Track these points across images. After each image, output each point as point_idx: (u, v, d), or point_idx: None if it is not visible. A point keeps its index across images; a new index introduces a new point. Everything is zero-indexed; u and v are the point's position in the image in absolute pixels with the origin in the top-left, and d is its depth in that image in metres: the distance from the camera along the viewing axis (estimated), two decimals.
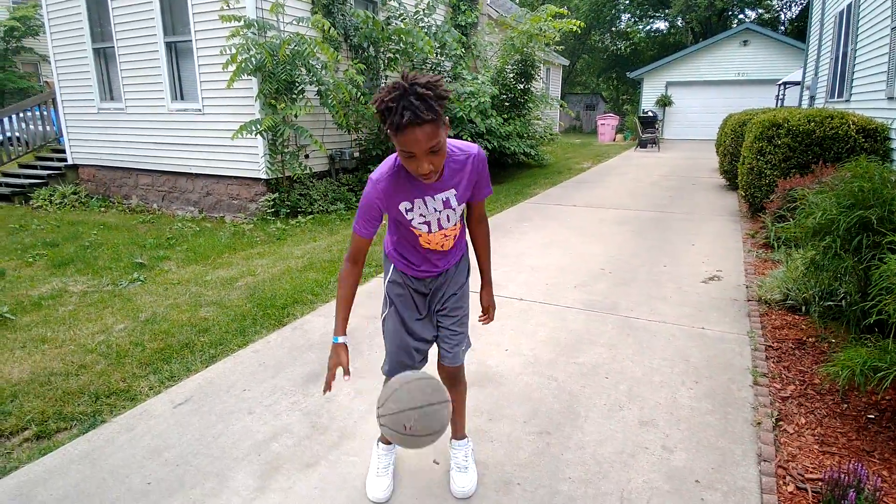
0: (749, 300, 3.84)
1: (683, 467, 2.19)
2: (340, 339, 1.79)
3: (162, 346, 3.34)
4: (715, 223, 6.27)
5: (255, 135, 6.64)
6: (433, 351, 2.11)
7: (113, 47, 8.27)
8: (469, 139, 8.71)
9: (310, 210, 7.26)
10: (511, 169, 11.33)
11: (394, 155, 1.66)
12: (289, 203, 7.22)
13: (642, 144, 16.03)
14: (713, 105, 19.28)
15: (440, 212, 1.76)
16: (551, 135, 14.73)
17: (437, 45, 9.21)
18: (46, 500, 2.09)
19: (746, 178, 5.90)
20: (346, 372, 1.79)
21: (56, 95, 9.31)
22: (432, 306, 2.01)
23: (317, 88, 7.08)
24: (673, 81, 20.30)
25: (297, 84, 6.83)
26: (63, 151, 9.65)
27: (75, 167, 9.46)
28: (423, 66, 9.44)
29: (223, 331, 3.55)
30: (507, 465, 2.22)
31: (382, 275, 2.07)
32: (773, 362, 2.98)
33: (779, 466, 2.18)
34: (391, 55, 8.69)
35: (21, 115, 10.12)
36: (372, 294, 4.16)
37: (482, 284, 2.13)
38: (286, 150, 7.11)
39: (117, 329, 3.62)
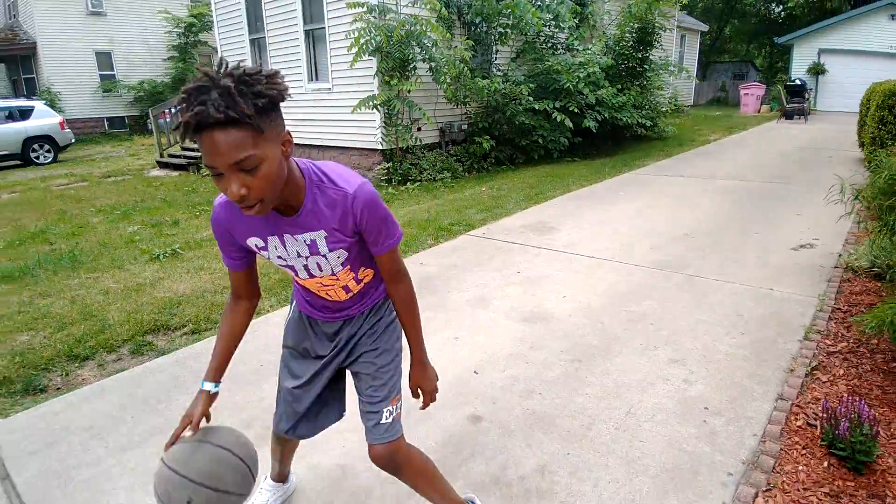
0: (836, 267, 3.65)
1: (697, 397, 2.37)
2: (206, 386, 1.43)
3: (283, 276, 4.14)
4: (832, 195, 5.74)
5: (372, 109, 7.40)
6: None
7: (264, 37, 9.59)
8: (576, 110, 8.72)
9: (418, 178, 7.91)
10: (627, 142, 11.02)
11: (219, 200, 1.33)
12: (401, 171, 7.94)
13: (788, 115, 14.41)
14: (872, 77, 16.58)
15: (306, 258, 1.33)
16: (676, 105, 13.91)
17: (550, 17, 9.27)
18: (193, 368, 2.89)
19: (868, 148, 5.33)
20: (195, 428, 1.35)
21: None
22: (338, 358, 1.58)
23: (428, 65, 7.63)
24: (826, 49, 17.77)
25: (409, 61, 7.45)
26: None
27: None
28: (536, 40, 9.57)
29: None
30: (534, 381, 2.58)
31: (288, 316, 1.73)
32: (835, 322, 2.92)
33: (796, 405, 2.27)
34: (502, 30, 8.95)
35: None
36: (457, 248, 4.63)
37: (411, 362, 1.60)
38: (399, 124, 7.81)
39: None
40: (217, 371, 1.49)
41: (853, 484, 1.84)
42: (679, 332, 2.94)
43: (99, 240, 5.61)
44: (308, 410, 1.62)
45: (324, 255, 1.33)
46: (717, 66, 28.63)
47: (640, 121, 10.16)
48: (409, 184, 7.74)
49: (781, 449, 2.03)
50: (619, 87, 9.90)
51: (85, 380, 2.90)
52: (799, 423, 2.16)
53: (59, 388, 2.83)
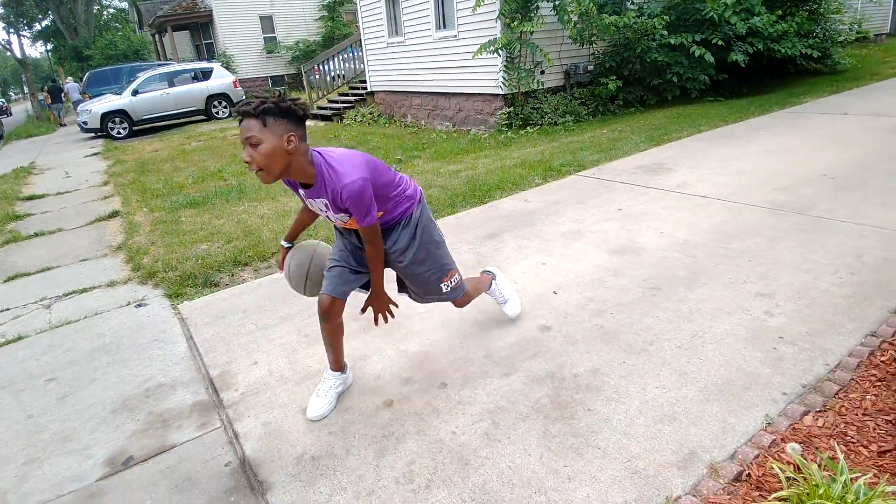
0: None
1: (775, 327, 2.35)
2: (284, 243, 2.30)
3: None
4: None
5: (493, 53, 7.50)
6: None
7: None
8: (720, 43, 7.87)
9: (539, 122, 7.92)
10: (790, 77, 9.68)
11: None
12: (521, 116, 8.01)
13: None
14: None
15: (323, 211, 1.93)
16: (860, 33, 11.76)
17: None
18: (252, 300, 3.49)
19: None
20: (280, 268, 2.28)
21: (361, 36, 11.81)
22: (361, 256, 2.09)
23: (552, 3, 7.45)
24: None
25: (532, 1, 7.34)
26: (366, 82, 12.30)
27: (372, 93, 12.01)
28: None
29: (440, 204, 4.66)
30: (608, 302, 2.73)
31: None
32: None
33: (887, 342, 2.15)
34: None
35: (341, 56, 13.14)
36: (564, 186, 4.73)
37: (371, 292, 2.09)
38: (521, 67, 7.81)
39: None
40: (291, 237, 2.33)
41: None
42: (778, 269, 2.83)
43: None
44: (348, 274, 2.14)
45: (332, 213, 1.91)
46: None
47: (804, 51, 8.84)
48: (528, 128, 7.79)
49: (853, 379, 1.99)
50: (781, 12, 8.67)
51: (245, 280, 3.67)
52: (884, 359, 2.06)
53: (227, 284, 3.63)
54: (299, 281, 2.23)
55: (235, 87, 15.61)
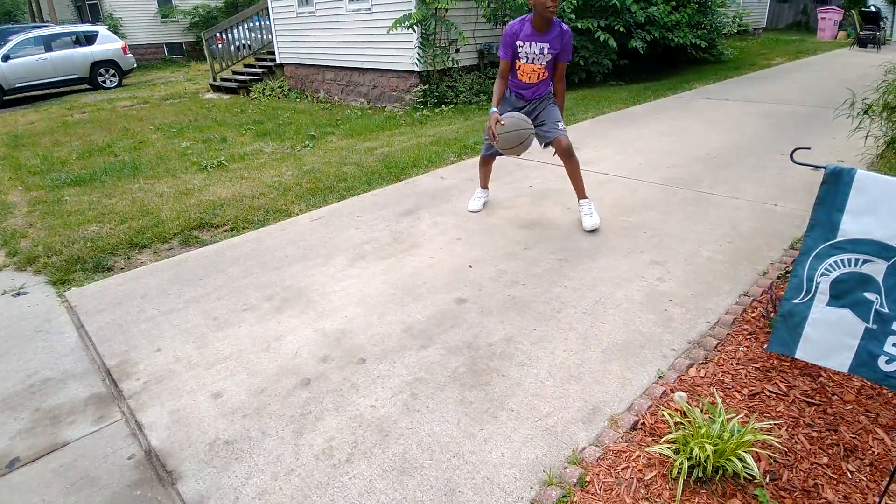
0: None
1: (666, 291, 2.58)
2: (494, 109, 3.18)
3: (312, 186, 4.50)
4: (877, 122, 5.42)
5: (408, 28, 7.40)
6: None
7: None
8: (622, 29, 8.32)
9: (454, 101, 7.97)
10: (681, 66, 10.44)
11: (519, 17, 3.14)
12: (437, 94, 8.01)
13: (861, 43, 13.10)
14: None
15: (536, 54, 3.13)
16: (741, 26, 12.90)
17: None
18: (229, 256, 3.33)
19: None
20: (495, 123, 3.11)
21: (268, 4, 11.14)
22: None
23: None
24: None
25: None
26: (274, 52, 11.66)
27: (281, 66, 11.43)
28: None
29: (355, 181, 4.59)
30: (520, 274, 2.85)
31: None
32: None
33: (757, 301, 2.44)
34: None
35: (246, 24, 12.33)
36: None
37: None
38: (436, 45, 7.78)
39: (287, 174, 4.92)
40: (497, 103, 3.23)
41: (789, 363, 2.04)
42: (668, 240, 3.10)
43: (156, 153, 6.16)
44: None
45: (544, 54, 3.12)
46: None
47: (694, 41, 9.58)
48: (444, 106, 7.82)
49: (728, 334, 2.24)
50: (675, 3, 9.29)
51: (143, 263, 3.41)
52: (754, 315, 2.35)
53: (122, 269, 3.35)
54: (515, 136, 3.12)
55: (125, 53, 14.21)
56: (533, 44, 3.08)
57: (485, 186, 3.80)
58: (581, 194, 3.38)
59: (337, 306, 2.68)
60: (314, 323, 2.55)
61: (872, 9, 13.78)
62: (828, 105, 6.31)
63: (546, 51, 3.09)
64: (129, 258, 3.48)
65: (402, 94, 8.54)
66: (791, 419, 1.83)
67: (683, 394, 1.90)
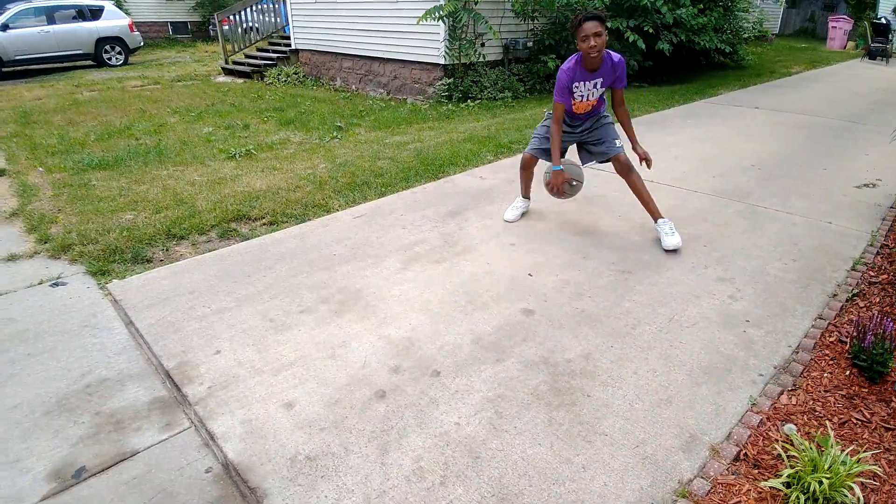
0: (892, 207, 3.60)
1: (740, 311, 2.51)
2: (557, 167, 3.19)
3: (349, 181, 4.39)
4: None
5: (438, 20, 7.26)
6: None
7: None
8: (651, 30, 8.23)
9: (479, 96, 7.85)
10: (703, 70, 10.37)
11: (572, 57, 3.04)
12: (461, 88, 7.88)
13: (871, 55, 13.07)
14: None
15: (591, 90, 3.10)
16: (760, 32, 12.83)
17: None
18: (273, 252, 3.23)
19: None
20: (561, 183, 3.23)
21: None
22: (579, 137, 3.36)
23: None
24: None
25: None
26: (288, 38, 11.44)
27: (297, 51, 11.23)
28: None
29: (392, 177, 4.48)
30: (584, 285, 2.77)
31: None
32: (881, 257, 2.95)
33: (832, 325, 2.38)
34: None
35: (257, 6, 12.07)
36: (516, 165, 4.73)
37: (632, 145, 3.24)
38: (463, 38, 7.65)
39: (321, 167, 4.80)
40: (557, 156, 3.21)
41: (867, 390, 2.00)
42: (731, 255, 3.03)
43: (178, 138, 6.01)
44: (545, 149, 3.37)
45: (598, 88, 3.09)
46: None
47: (718, 46, 9.50)
48: (469, 101, 7.70)
49: (812, 359, 2.18)
50: (701, 6, 9.20)
51: (182, 255, 3.30)
52: (832, 339, 2.29)
53: (161, 260, 3.24)
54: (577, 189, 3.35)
55: (132, 31, 13.90)
56: (587, 83, 3.06)
57: (526, 195, 3.66)
58: (656, 215, 3.22)
59: (398, 312, 2.59)
60: (377, 329, 2.46)
61: (883, 21, 13.76)
62: (854, 119, 6.29)
63: (599, 86, 3.09)
64: (167, 250, 3.36)
65: (424, 87, 8.40)
66: (873, 444, 1.79)
67: (793, 426, 1.83)
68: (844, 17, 17.74)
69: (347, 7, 9.36)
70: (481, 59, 7.99)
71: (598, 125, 3.29)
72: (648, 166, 3.20)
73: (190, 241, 3.48)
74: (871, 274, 2.77)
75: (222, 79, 11.18)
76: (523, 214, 3.65)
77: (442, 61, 7.83)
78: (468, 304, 2.65)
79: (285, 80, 10.40)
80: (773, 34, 16.72)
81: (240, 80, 10.87)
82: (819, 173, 4.32)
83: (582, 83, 3.05)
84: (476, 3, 7.24)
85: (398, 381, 2.13)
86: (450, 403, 2.00)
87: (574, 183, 3.27)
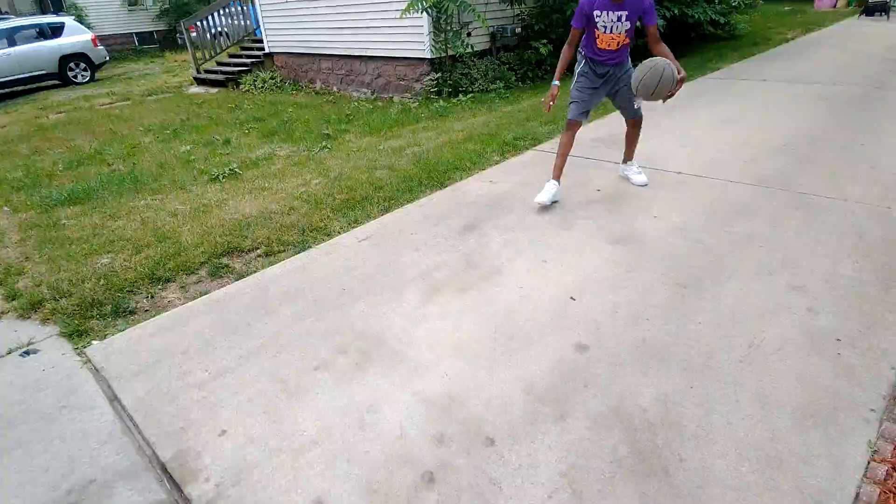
0: None
1: (826, 328, 2.17)
2: (556, 83, 3.28)
3: (347, 197, 3.99)
4: None
5: (421, 12, 6.83)
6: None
7: None
8: None
9: (470, 89, 7.44)
10: (694, 43, 10.01)
11: None
12: (451, 82, 7.47)
13: (868, 12, 12.76)
14: None
15: (615, 23, 3.08)
16: (749, 1, 12.49)
17: None
18: (274, 292, 2.84)
19: None
20: (552, 99, 3.30)
21: None
22: (608, 88, 3.39)
23: None
24: None
25: None
26: (261, 42, 10.91)
27: (271, 55, 10.70)
28: None
29: (394, 189, 4.09)
30: (637, 306, 2.41)
31: (576, 68, 3.43)
32: None
33: None
34: None
35: (224, 10, 11.49)
36: (527, 164, 4.36)
37: (677, 70, 3.00)
38: (449, 29, 7.22)
39: (314, 183, 4.38)
40: (560, 74, 3.32)
41: None
42: (794, 256, 2.69)
43: (154, 160, 5.55)
44: (588, 108, 3.46)
45: (622, 21, 3.06)
46: None
47: (713, 17, 9.13)
48: (460, 95, 7.30)
49: None
50: None
51: (171, 302, 2.90)
52: None
53: (146, 310, 2.84)
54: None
55: (96, 45, 13.26)
56: (610, 13, 3.05)
57: (557, 177, 3.51)
58: (629, 157, 3.72)
59: (429, 359, 2.22)
60: (409, 384, 2.09)
61: None
62: (877, 84, 5.97)
63: (624, 18, 3.06)
64: (152, 297, 2.96)
65: (411, 84, 7.97)
66: None
67: None
68: None
69: (320, 4, 8.87)
70: (469, 50, 7.57)
71: (621, 79, 3.34)
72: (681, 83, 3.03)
73: (177, 284, 3.07)
74: None
75: (195, 89, 10.64)
76: (554, 199, 3.51)
77: (428, 55, 7.40)
78: (509, 341, 2.28)
79: (262, 87, 9.90)
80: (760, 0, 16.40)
81: (214, 90, 10.35)
82: (858, 151, 3.98)
83: (605, 12, 3.05)
84: None
85: (446, 456, 1.76)
86: (515, 484, 1.64)
87: (649, 78, 2.96)
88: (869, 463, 1.61)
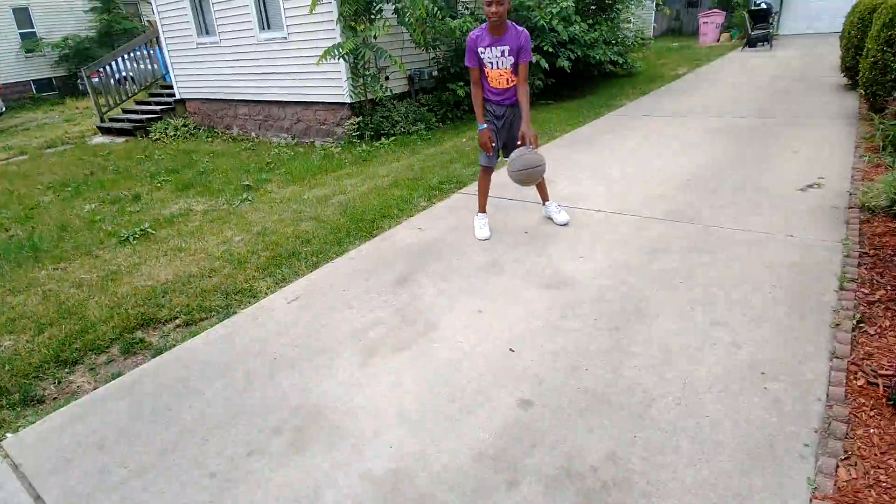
0: (850, 208, 3.62)
1: (750, 361, 2.29)
2: (482, 126, 3.45)
3: (273, 254, 3.83)
4: (825, 128, 5.72)
5: (338, 59, 6.84)
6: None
7: None
8: (550, 49, 8.33)
9: (392, 132, 7.49)
10: (597, 80, 10.72)
11: (479, 27, 3.37)
12: (372, 126, 7.49)
13: (751, 43, 14.22)
14: None
15: (499, 57, 3.29)
16: (642, 39, 13.61)
17: None
18: (197, 367, 2.63)
19: (868, 73, 5.25)
20: (490, 141, 3.48)
21: (159, 34, 10.00)
22: (504, 133, 3.56)
23: (394, 6, 7.06)
24: None
25: (374, 3, 6.86)
26: (171, 87, 10.48)
27: (183, 101, 10.30)
28: None
29: (322, 242, 3.97)
30: (575, 355, 2.45)
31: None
32: (866, 269, 2.88)
33: (852, 363, 2.22)
34: None
35: (130, 55, 10.97)
36: (453, 208, 4.39)
37: (522, 123, 3.35)
38: (367, 73, 7.28)
39: (236, 240, 4.18)
40: (481, 116, 3.49)
41: None
42: (712, 290, 2.85)
43: (56, 222, 5.09)
44: (498, 151, 3.63)
45: (506, 56, 3.28)
46: None
47: (612, 57, 9.87)
48: (383, 138, 7.32)
49: (850, 413, 1.98)
50: (591, 21, 9.51)
51: (80, 387, 2.62)
52: (860, 384, 2.11)
53: (55, 398, 2.55)
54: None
55: None
56: (494, 48, 3.28)
57: (484, 209, 3.83)
58: (546, 197, 3.89)
59: (372, 430, 2.12)
60: (353, 463, 1.97)
61: (763, 5, 14.80)
62: (765, 114, 6.61)
63: (507, 53, 3.28)
64: (59, 382, 2.67)
65: (332, 128, 7.91)
66: None
67: None
68: (717, 10, 19.27)
69: (233, 49, 8.70)
70: (388, 93, 7.66)
71: (515, 121, 3.50)
72: (534, 145, 3.35)
73: (86, 366, 2.79)
74: (865, 292, 2.67)
75: (100, 139, 10.00)
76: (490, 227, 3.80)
77: (348, 99, 7.41)
78: (452, 403, 2.23)
79: (174, 135, 9.47)
80: (651, 38, 17.92)
81: (121, 140, 9.76)
82: (757, 180, 4.35)
83: (489, 48, 3.29)
84: (375, 38, 6.91)
85: None
86: None
87: (533, 167, 3.36)
88: (811, 501, 1.68)
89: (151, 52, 11.15)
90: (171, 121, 9.92)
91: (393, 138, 7.31)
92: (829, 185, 4.04)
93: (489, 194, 3.87)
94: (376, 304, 3.05)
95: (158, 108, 10.37)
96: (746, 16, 14.92)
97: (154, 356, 2.80)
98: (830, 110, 6.54)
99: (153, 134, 9.56)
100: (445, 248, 3.68)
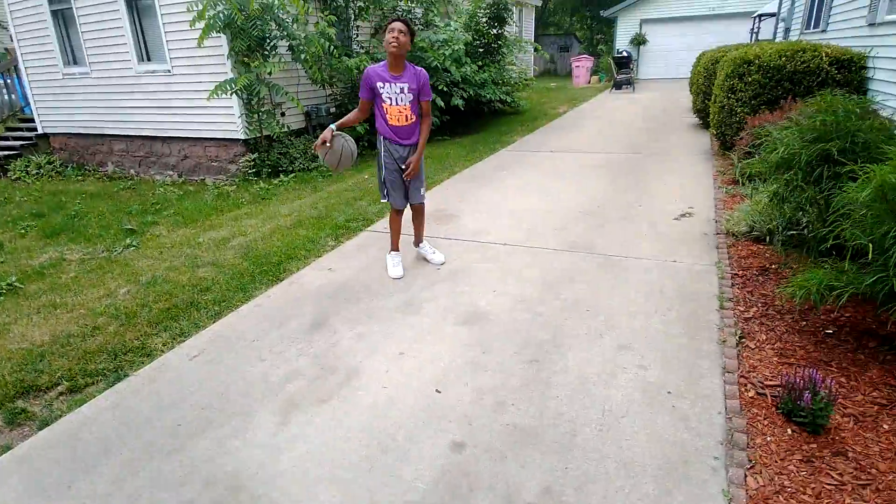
0: (718, 234, 4.11)
1: (657, 382, 2.48)
2: (332, 126, 3.28)
3: (167, 305, 3.50)
4: (687, 162, 6.50)
5: (231, 94, 6.57)
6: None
7: (71, 8, 7.93)
8: (445, 88, 8.68)
9: (291, 168, 7.28)
10: (488, 117, 11.32)
11: (380, 63, 3.36)
12: (269, 162, 7.23)
13: (617, 86, 15.98)
14: (689, 42, 19.18)
15: (398, 94, 3.31)
16: (526, 80, 14.63)
17: None
18: (89, 440, 2.30)
19: (718, 116, 6.08)
20: (322, 141, 3.24)
21: (18, 62, 8.95)
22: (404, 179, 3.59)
23: (288, 43, 6.95)
24: (647, 19, 20.04)
25: (268, 40, 6.71)
26: (32, 120, 9.36)
27: (46, 136, 9.23)
28: (394, 14, 9.26)
29: (224, 288, 3.71)
30: (501, 391, 2.49)
31: (378, 152, 3.55)
32: (738, 288, 3.27)
33: (741, 377, 2.49)
34: (361, 4, 8.49)
35: None
36: (362, 247, 4.34)
37: (416, 151, 3.50)
38: (262, 109, 7.06)
39: (121, 292, 3.76)
40: (339, 125, 3.35)
41: (816, 445, 2.06)
42: (614, 316, 3.06)
43: None
44: (405, 193, 3.66)
45: (405, 93, 3.31)
46: (544, 38, 30.64)
47: (501, 96, 10.49)
48: (281, 175, 7.08)
49: (748, 423, 2.21)
50: (480, 63, 10.07)
51: None
52: (751, 395, 2.37)
53: None
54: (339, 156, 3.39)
55: None
56: (394, 84, 3.29)
57: (397, 248, 3.85)
58: (419, 240, 3.96)
59: (299, 498, 1.98)
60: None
61: (624, 53, 16.83)
62: (636, 149, 7.35)
63: (407, 90, 3.31)
64: None
65: (225, 165, 7.51)
66: None
67: None
68: (585, 55, 21.32)
69: (106, 80, 8.02)
70: (284, 129, 7.46)
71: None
72: (407, 174, 3.50)
73: None
74: (741, 310, 3.02)
75: None
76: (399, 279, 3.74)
77: (242, 136, 7.10)
78: (385, 454, 2.15)
79: (37, 173, 8.43)
80: (533, 79, 19.33)
81: None
82: (638, 210, 4.80)
83: (387, 84, 3.28)
84: (270, 74, 6.74)
85: None
86: None
87: (346, 153, 3.40)
88: None
89: (9, 81, 9.91)
90: (34, 158, 8.81)
91: (292, 175, 7.09)
92: (699, 214, 4.57)
93: (401, 233, 3.87)
94: (291, 355, 2.89)
95: (18, 143, 9.18)
96: (612, 62, 16.79)
97: (41, 428, 2.42)
98: (689, 146, 7.45)
99: (12, 173, 8.42)
100: (359, 288, 3.61)
